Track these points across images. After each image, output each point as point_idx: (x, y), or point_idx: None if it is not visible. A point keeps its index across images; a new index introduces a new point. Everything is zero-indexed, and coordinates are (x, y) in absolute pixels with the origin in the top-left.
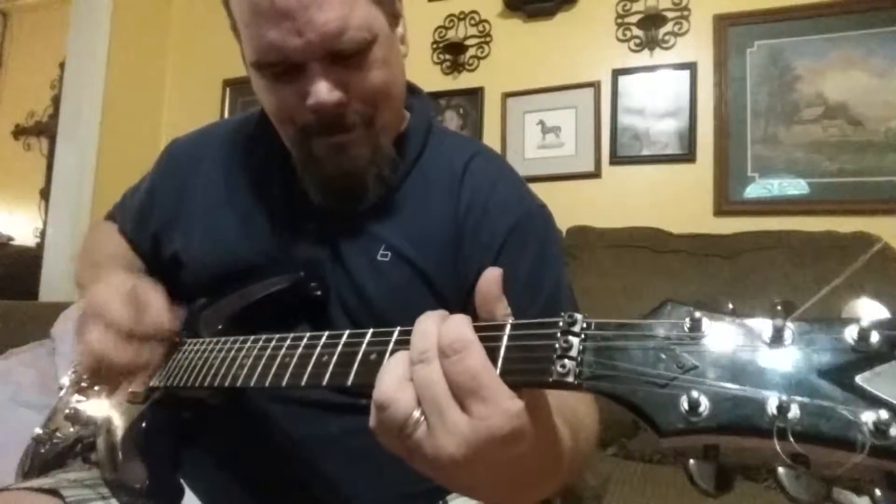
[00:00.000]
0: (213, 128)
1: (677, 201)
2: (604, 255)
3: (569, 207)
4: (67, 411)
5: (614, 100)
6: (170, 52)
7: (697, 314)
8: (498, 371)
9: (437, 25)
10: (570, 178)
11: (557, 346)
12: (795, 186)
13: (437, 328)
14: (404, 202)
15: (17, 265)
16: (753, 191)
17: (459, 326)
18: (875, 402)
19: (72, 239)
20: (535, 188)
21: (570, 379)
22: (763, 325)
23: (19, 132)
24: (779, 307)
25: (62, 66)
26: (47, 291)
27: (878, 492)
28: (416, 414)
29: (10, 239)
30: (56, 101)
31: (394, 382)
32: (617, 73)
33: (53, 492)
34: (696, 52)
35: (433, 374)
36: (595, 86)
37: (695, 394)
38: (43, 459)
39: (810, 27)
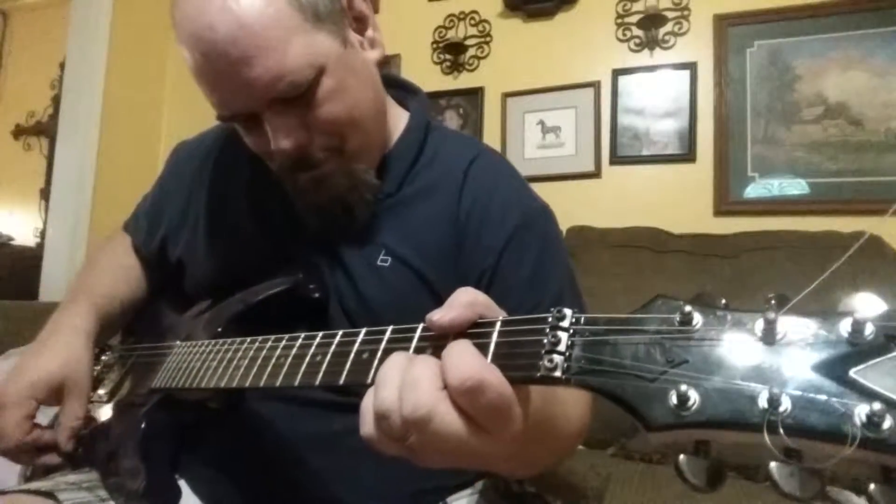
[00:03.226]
0: (218, 131)
1: (677, 201)
2: (604, 255)
3: (569, 207)
4: None
5: (614, 100)
6: (170, 51)
7: (688, 308)
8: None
9: (437, 25)
10: (570, 178)
11: (546, 341)
12: (795, 186)
13: (433, 368)
14: (404, 206)
15: (17, 265)
16: (753, 191)
17: (463, 360)
18: (868, 394)
19: (72, 239)
20: (535, 188)
21: (558, 374)
22: (755, 319)
23: (19, 132)
24: (772, 301)
25: (62, 66)
26: (47, 291)
27: (872, 486)
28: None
29: (10, 239)
30: (56, 101)
31: (395, 389)
32: (617, 73)
33: (49, 494)
34: (696, 52)
35: (446, 417)
36: (595, 86)
37: (683, 387)
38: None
39: (810, 27)
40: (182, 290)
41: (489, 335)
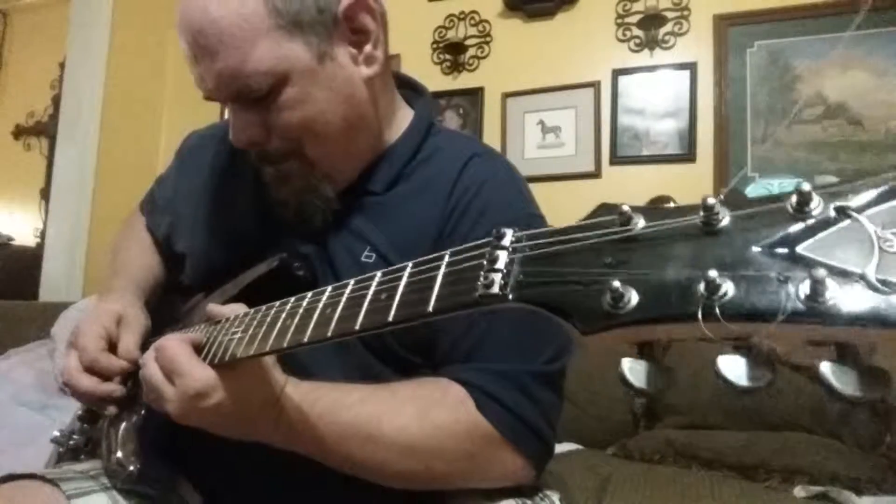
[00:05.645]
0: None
1: (677, 201)
2: None
3: (569, 207)
4: (79, 412)
5: (614, 100)
6: (170, 51)
7: (626, 208)
8: (433, 299)
9: (437, 25)
10: (570, 178)
11: (485, 262)
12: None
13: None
14: (394, 204)
15: (17, 265)
16: (753, 191)
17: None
18: (814, 265)
19: (72, 239)
20: (535, 188)
21: (495, 290)
22: (697, 209)
23: (19, 132)
24: (721, 196)
25: (62, 66)
26: (47, 291)
27: (824, 365)
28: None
29: (10, 239)
30: (56, 101)
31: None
32: (617, 73)
33: (53, 483)
34: (696, 52)
35: (150, 365)
36: (595, 86)
37: (616, 284)
38: (62, 460)
39: (810, 27)
40: (186, 277)
41: (437, 268)
